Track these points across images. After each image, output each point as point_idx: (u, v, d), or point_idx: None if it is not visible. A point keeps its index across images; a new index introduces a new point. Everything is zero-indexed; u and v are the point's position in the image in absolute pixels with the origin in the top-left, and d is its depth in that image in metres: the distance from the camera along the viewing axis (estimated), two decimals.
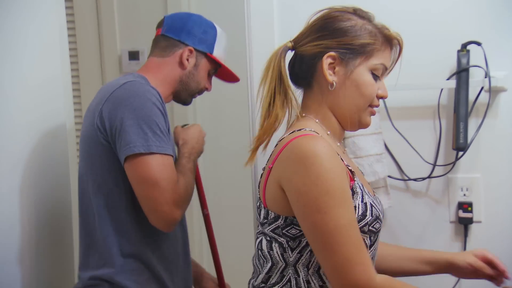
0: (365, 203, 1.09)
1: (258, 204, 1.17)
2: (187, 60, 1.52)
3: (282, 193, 1.08)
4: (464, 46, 1.60)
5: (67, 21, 1.79)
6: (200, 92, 1.60)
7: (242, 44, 1.78)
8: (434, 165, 1.68)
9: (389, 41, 1.16)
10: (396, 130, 1.68)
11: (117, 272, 1.35)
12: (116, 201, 1.36)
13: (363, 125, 1.18)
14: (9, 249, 1.40)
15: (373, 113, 1.18)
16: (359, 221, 1.07)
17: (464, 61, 1.59)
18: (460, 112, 1.58)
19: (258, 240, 1.17)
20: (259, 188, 1.17)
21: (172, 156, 1.36)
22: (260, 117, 1.19)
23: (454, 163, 1.66)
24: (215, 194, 2.56)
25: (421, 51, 1.66)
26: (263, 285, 1.15)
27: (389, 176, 1.71)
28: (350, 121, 1.16)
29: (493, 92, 1.60)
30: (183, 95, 1.57)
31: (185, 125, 1.58)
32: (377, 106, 1.18)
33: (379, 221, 1.12)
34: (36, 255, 1.50)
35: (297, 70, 1.18)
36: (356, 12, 1.16)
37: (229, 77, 1.68)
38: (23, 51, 1.48)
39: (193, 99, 1.63)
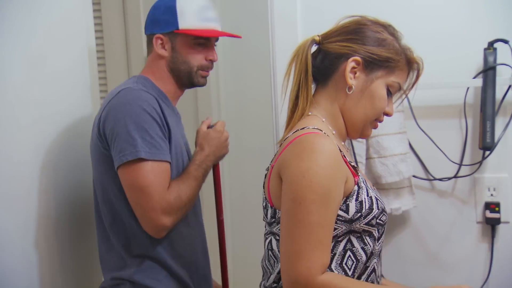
0: (370, 197, 1.12)
1: (264, 204, 1.18)
2: (163, 48, 1.46)
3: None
4: (491, 44, 1.57)
5: (93, 10, 1.80)
6: (202, 68, 1.48)
7: (266, 45, 1.79)
8: (460, 164, 1.66)
9: (410, 63, 1.19)
10: (421, 129, 1.66)
11: (136, 272, 1.38)
12: (120, 206, 1.38)
13: (364, 135, 1.21)
14: (36, 247, 1.44)
15: (375, 127, 1.21)
16: (366, 215, 1.09)
17: (491, 59, 1.57)
18: (486, 111, 1.56)
19: (268, 240, 1.17)
20: (263, 188, 1.18)
21: (168, 161, 1.35)
22: (287, 110, 1.20)
23: (480, 162, 1.63)
24: (240, 193, 2.59)
25: (447, 49, 1.64)
26: (275, 285, 1.15)
27: (414, 176, 1.69)
28: (355, 128, 1.18)
29: None
30: (184, 80, 1.49)
31: (211, 126, 1.54)
32: (381, 121, 1.21)
33: (385, 214, 1.15)
34: (63, 253, 1.53)
35: (318, 64, 1.19)
36: (388, 28, 1.18)
37: (229, 33, 1.54)
38: (49, 43, 1.50)
39: (207, 80, 1.52)
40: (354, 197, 1.09)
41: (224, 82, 2.60)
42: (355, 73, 1.14)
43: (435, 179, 1.69)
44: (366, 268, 1.11)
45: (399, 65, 1.15)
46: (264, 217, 1.19)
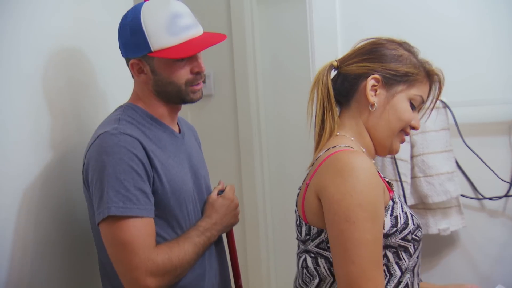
0: (405, 213, 1.12)
1: (298, 222, 1.17)
2: (142, 72, 1.32)
3: (321, 204, 1.09)
4: None
5: None
6: (191, 83, 1.32)
7: (306, 61, 1.80)
8: (511, 183, 1.61)
9: (430, 76, 1.20)
10: (468, 147, 1.62)
11: None
12: (105, 258, 1.29)
13: (393, 150, 1.21)
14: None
15: (403, 141, 1.22)
16: (402, 230, 1.09)
17: None
18: None
19: (302, 259, 1.16)
20: (296, 206, 1.18)
21: (144, 216, 1.22)
22: (314, 135, 1.22)
23: None
24: (282, 205, 2.60)
25: (494, 64, 1.61)
26: None
27: (462, 195, 1.65)
28: (382, 144, 1.19)
29: None
30: (176, 99, 1.34)
31: (221, 191, 1.44)
32: (407, 134, 1.21)
33: (420, 229, 1.14)
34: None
35: (339, 87, 1.21)
36: (403, 45, 1.20)
37: (211, 39, 1.33)
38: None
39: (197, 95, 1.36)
40: (389, 211, 1.10)
41: (264, 107, 2.63)
42: (376, 90, 1.17)
43: (484, 198, 1.64)
44: (399, 283, 1.10)
45: (418, 78, 1.17)
46: (297, 236, 1.18)
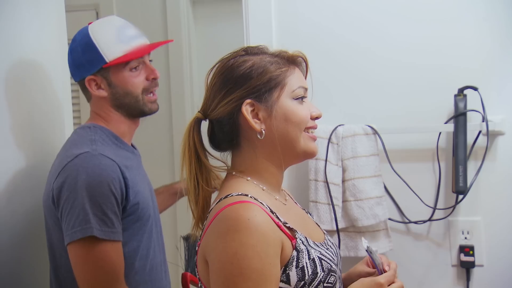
0: (313, 259, 1.00)
1: (199, 285, 1.06)
2: (100, 88, 1.36)
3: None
4: (461, 90, 1.62)
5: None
6: (146, 91, 1.39)
7: None
8: (435, 208, 1.68)
9: (293, 61, 1.09)
10: (396, 173, 1.68)
11: None
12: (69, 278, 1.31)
13: (309, 154, 1.08)
14: None
15: (313, 138, 1.09)
16: (311, 282, 0.98)
17: (461, 105, 1.61)
18: (458, 156, 1.59)
19: None
20: (196, 268, 1.06)
21: (120, 241, 1.28)
22: (189, 204, 1.09)
23: (454, 206, 1.66)
24: None
25: (419, 95, 1.69)
26: None
27: (390, 219, 1.71)
28: (294, 155, 1.07)
29: (491, 135, 1.61)
30: (134, 112, 1.39)
31: None
32: (313, 127, 1.09)
33: (333, 274, 1.02)
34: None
35: (219, 135, 1.09)
36: (248, 51, 1.09)
37: (158, 43, 1.43)
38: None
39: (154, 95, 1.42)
40: (294, 264, 0.98)
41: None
42: (257, 115, 1.05)
43: (410, 222, 1.71)
44: None
45: (285, 74, 1.06)
46: None
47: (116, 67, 1.35)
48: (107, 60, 1.33)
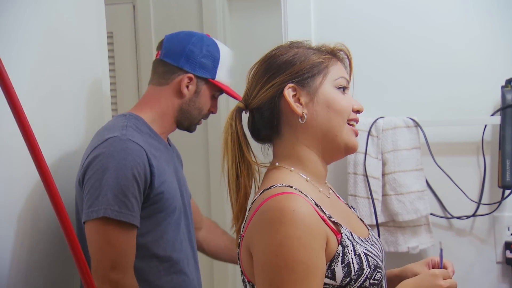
0: (359, 255, 0.97)
1: (242, 278, 1.03)
2: (187, 87, 1.44)
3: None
4: (509, 81, 1.57)
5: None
6: (205, 117, 1.52)
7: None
8: (479, 203, 1.63)
9: (336, 54, 1.09)
10: (438, 166, 1.64)
11: None
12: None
13: (350, 148, 1.06)
14: None
15: (356, 133, 1.07)
16: (357, 278, 0.95)
17: (509, 97, 1.55)
18: (505, 149, 1.54)
19: None
20: (238, 259, 1.04)
21: (136, 226, 1.29)
22: (229, 195, 1.07)
23: (500, 202, 1.60)
24: None
25: (465, 86, 1.64)
26: None
27: (432, 214, 1.66)
28: (335, 147, 1.05)
29: None
30: (185, 123, 1.49)
31: None
32: (355, 120, 1.07)
33: (379, 271, 0.99)
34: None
35: (259, 124, 1.08)
36: (292, 45, 1.10)
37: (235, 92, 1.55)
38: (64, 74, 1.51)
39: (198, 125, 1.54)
40: (340, 259, 0.95)
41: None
42: (299, 99, 1.04)
43: (453, 217, 1.66)
44: None
45: (327, 63, 1.05)
46: None
47: (211, 87, 1.47)
48: (216, 78, 1.46)
